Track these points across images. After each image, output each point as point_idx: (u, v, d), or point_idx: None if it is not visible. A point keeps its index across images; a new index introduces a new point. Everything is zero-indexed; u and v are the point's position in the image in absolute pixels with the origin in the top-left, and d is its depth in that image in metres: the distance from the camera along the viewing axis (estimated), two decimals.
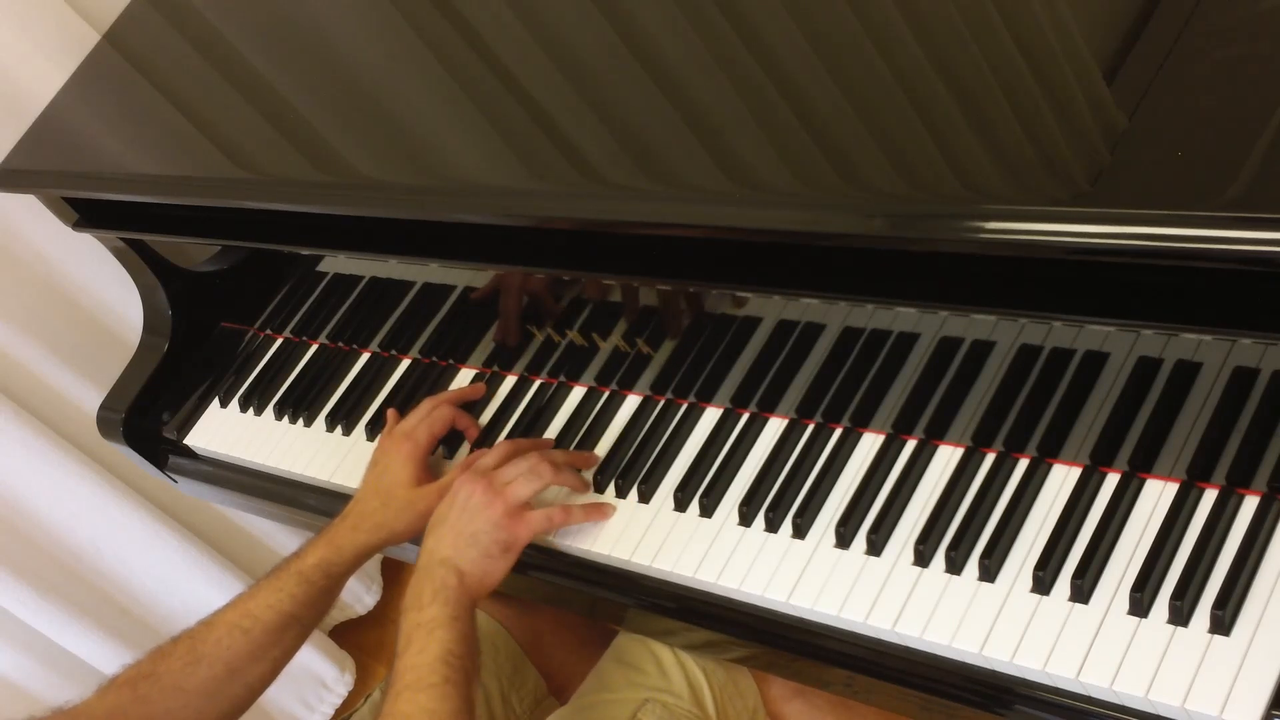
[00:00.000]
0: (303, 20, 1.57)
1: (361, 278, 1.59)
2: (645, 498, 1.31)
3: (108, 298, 1.91)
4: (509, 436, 1.43)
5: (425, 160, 1.33)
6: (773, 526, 1.23)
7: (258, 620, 1.27)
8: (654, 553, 1.27)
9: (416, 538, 1.36)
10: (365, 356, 1.61)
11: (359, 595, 2.29)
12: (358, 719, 1.45)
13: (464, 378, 1.52)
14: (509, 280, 1.41)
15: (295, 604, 1.29)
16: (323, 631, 2.24)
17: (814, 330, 1.22)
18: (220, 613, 1.29)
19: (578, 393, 1.43)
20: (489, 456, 1.32)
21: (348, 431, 1.56)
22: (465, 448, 1.46)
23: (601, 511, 1.30)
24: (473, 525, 1.25)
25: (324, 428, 1.58)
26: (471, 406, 1.48)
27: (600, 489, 1.34)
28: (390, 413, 1.48)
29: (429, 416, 1.42)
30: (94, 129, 1.65)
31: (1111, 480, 1.10)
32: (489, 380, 1.49)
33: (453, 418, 1.44)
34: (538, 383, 1.46)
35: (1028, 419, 1.14)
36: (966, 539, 1.13)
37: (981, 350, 1.14)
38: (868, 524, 1.18)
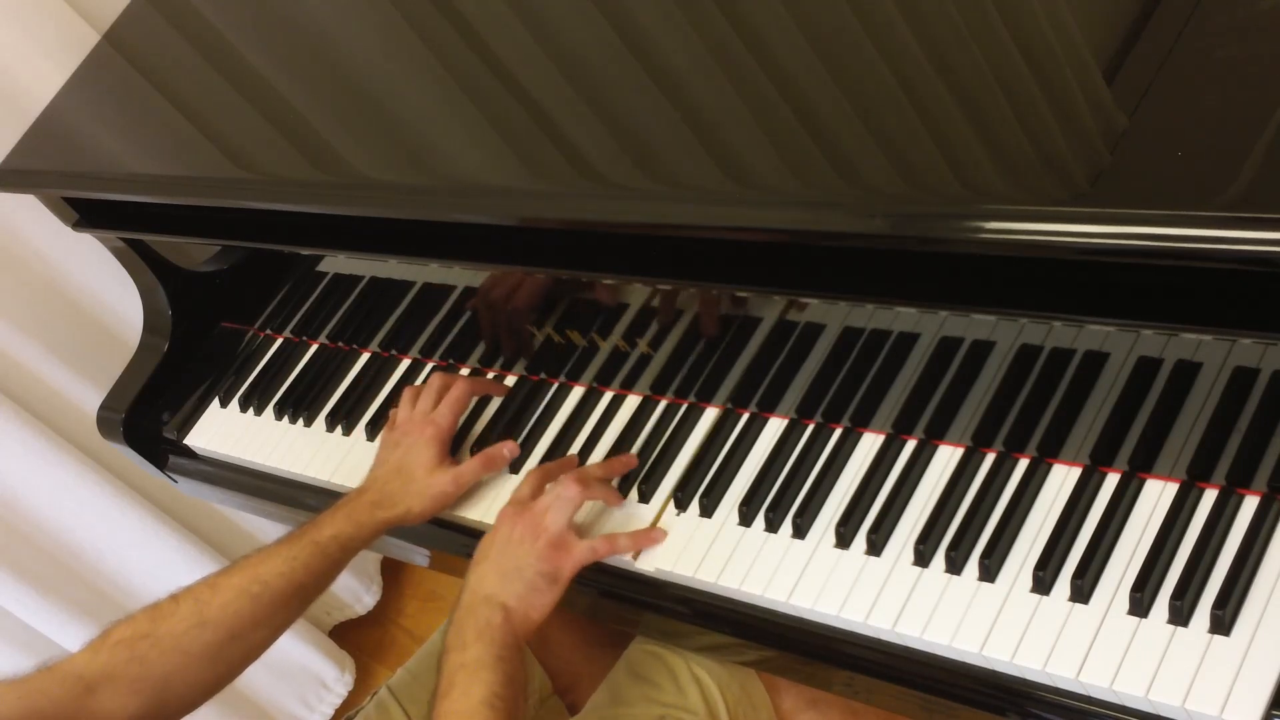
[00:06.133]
0: (302, 20, 1.57)
1: (361, 278, 1.59)
2: (645, 498, 1.31)
3: (108, 298, 1.91)
4: (508, 436, 1.43)
5: (425, 160, 1.32)
6: (773, 527, 1.23)
7: (268, 586, 1.26)
8: (653, 553, 1.27)
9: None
10: (365, 356, 1.61)
11: (359, 595, 2.29)
12: (362, 718, 1.45)
13: None
14: (493, 293, 1.42)
15: (307, 573, 1.29)
16: (322, 631, 2.24)
17: (814, 330, 1.22)
18: (226, 576, 1.28)
19: (577, 393, 1.43)
20: (523, 486, 1.31)
21: (348, 431, 1.56)
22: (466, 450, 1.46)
23: (650, 538, 1.27)
24: (516, 560, 1.24)
25: (324, 428, 1.58)
26: (474, 409, 1.48)
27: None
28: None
29: (450, 398, 1.41)
30: (94, 129, 1.65)
31: (1111, 480, 1.10)
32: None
33: (471, 393, 1.44)
34: (537, 383, 1.46)
35: (1028, 419, 1.14)
36: (966, 539, 1.13)
37: (981, 350, 1.14)
38: (868, 524, 1.18)
